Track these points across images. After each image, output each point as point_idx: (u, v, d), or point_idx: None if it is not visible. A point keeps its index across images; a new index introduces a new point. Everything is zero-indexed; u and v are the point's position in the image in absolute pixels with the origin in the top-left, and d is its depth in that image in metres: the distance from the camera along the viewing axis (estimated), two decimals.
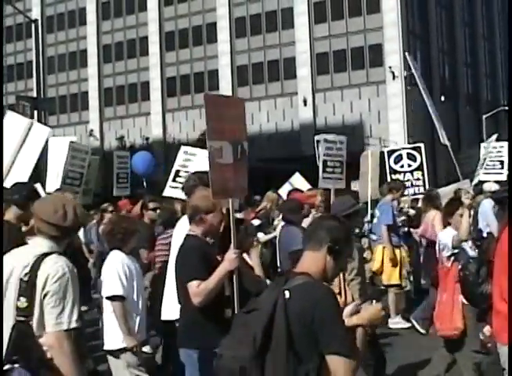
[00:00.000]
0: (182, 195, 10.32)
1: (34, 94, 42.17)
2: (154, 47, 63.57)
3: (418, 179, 14.37)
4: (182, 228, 5.98)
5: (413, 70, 18.49)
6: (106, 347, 6.20)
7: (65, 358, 3.76)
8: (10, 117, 9.24)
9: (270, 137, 56.46)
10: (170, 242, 6.73)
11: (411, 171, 14.45)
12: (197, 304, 4.99)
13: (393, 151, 14.99)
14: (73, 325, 3.81)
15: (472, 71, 65.81)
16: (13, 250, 4.12)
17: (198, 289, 4.97)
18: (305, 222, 8.14)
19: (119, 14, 66.16)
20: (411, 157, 14.62)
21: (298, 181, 13.96)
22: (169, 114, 62.85)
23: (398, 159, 14.67)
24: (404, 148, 15.40)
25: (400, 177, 14.25)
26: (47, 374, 3.72)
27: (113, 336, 6.08)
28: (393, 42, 53.36)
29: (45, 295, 3.80)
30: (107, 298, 6.13)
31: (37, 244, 4.02)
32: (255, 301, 3.48)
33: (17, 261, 3.95)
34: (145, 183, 16.07)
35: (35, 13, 65.04)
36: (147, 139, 59.90)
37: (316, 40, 56.75)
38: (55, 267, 3.84)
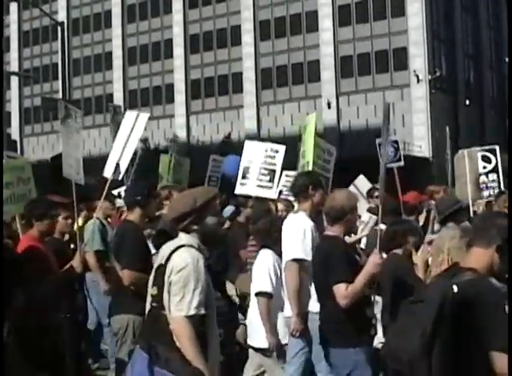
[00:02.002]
0: (255, 192, 10.39)
1: (60, 96, 42.52)
2: (179, 49, 63.83)
3: (493, 181, 14.33)
4: (297, 225, 6.15)
5: None
6: (255, 345, 6.38)
7: (185, 341, 3.99)
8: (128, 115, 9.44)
9: (294, 140, 56.38)
10: None
11: (486, 174, 14.38)
12: (344, 306, 5.13)
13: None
14: (192, 312, 4.03)
15: (497, 75, 65.37)
16: (168, 242, 4.42)
17: (345, 292, 5.10)
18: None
19: (144, 17, 66.50)
20: (486, 160, 14.55)
21: (361, 182, 13.78)
22: (193, 117, 63.04)
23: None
24: (478, 150, 15.30)
25: None
26: (170, 355, 3.97)
27: (261, 334, 6.21)
28: (417, 46, 53.15)
29: (170, 284, 4.11)
30: (256, 294, 6.27)
31: (179, 238, 4.30)
32: (420, 293, 3.60)
33: (161, 254, 4.31)
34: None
35: (61, 16, 65.62)
36: (171, 140, 60.11)
37: (341, 43, 56.66)
38: (180, 259, 4.12)
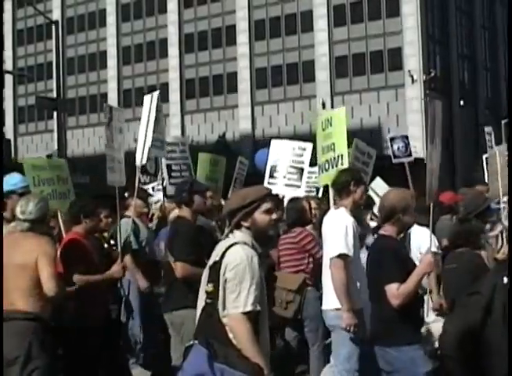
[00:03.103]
0: (283, 191, 10.30)
1: (54, 95, 42.45)
2: (174, 49, 63.74)
3: None
4: (339, 221, 6.28)
5: None
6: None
7: (243, 337, 4.07)
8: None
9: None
10: (298, 241, 7.43)
11: None
12: (396, 306, 5.18)
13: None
14: (249, 308, 4.11)
15: (492, 76, 65.45)
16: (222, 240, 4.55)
17: (398, 292, 5.15)
18: None
19: (139, 16, 66.38)
20: None
21: (379, 185, 13.64)
22: (188, 116, 62.98)
23: None
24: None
25: None
26: (228, 350, 4.05)
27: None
28: (412, 46, 53.18)
29: (225, 281, 4.20)
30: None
31: (233, 235, 4.40)
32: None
33: (215, 251, 4.43)
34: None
35: (56, 14, 65.39)
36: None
37: (335, 43, 56.66)
38: (234, 256, 4.21)
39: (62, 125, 41.67)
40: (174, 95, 63.30)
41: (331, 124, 8.63)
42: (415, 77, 52.30)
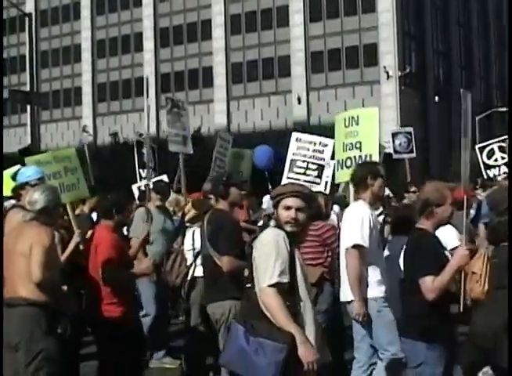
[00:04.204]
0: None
1: (27, 88, 41.99)
2: (149, 43, 63.42)
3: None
4: (356, 213, 6.42)
5: None
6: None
7: (273, 309, 4.23)
8: None
9: (263, 135, 56.39)
10: (320, 234, 7.48)
11: (506, 164, 14.26)
12: (431, 299, 5.18)
13: (484, 147, 14.88)
14: (275, 280, 4.25)
15: (466, 72, 65.86)
16: None
17: (433, 285, 5.15)
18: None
19: (114, 9, 65.95)
20: (503, 150, 14.46)
21: None
22: (163, 111, 62.63)
23: (491, 154, 14.56)
24: (495, 142, 15.20)
25: (495, 171, 14.13)
26: (259, 324, 4.23)
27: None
28: (388, 42, 53.37)
29: (254, 260, 4.42)
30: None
31: (272, 223, 4.64)
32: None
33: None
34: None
35: (29, 7, 64.75)
36: (141, 135, 59.68)
37: (311, 38, 56.70)
38: (262, 237, 4.44)
39: (35, 119, 41.28)
40: (150, 89, 62.90)
41: (357, 123, 8.55)
42: (390, 73, 52.50)
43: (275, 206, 4.53)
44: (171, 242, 8.98)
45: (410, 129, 17.87)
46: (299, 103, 55.95)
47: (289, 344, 4.14)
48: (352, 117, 8.64)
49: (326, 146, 10.95)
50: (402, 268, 5.68)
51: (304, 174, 10.81)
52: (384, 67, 52.69)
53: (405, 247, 5.72)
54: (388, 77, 52.68)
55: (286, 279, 4.28)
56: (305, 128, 53.02)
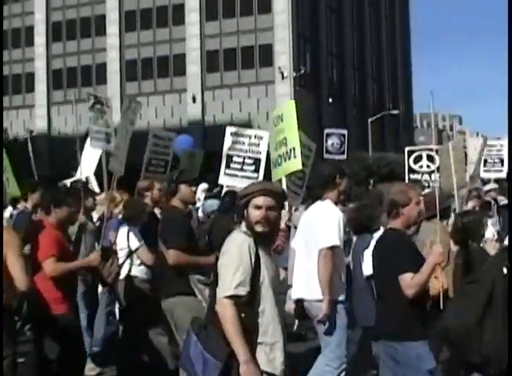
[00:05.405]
0: (239, 183, 9.84)
1: None
2: (40, 38, 61.76)
3: (435, 181, 14.37)
4: (329, 213, 6.43)
5: None
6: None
7: (225, 322, 4.10)
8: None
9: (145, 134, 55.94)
10: None
11: (429, 173, 14.42)
12: (410, 296, 5.16)
13: (413, 151, 15.01)
14: (230, 293, 4.09)
15: (359, 74, 67.21)
16: None
17: (412, 281, 5.15)
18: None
19: None
20: (430, 159, 14.60)
21: None
22: (54, 107, 61.18)
23: (418, 159, 14.66)
24: (425, 149, 15.33)
25: (418, 177, 14.25)
26: (211, 331, 4.16)
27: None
28: (283, 43, 53.84)
29: (218, 266, 4.28)
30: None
31: (242, 225, 4.40)
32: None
33: None
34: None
35: None
36: (31, 131, 57.98)
37: (207, 37, 56.55)
38: (227, 242, 4.29)
39: None
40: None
41: (282, 120, 8.70)
42: (285, 74, 52.97)
43: (245, 206, 4.32)
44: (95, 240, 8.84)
45: (344, 131, 18.18)
46: (194, 101, 55.73)
47: (226, 362, 4.06)
48: (279, 116, 8.84)
49: (261, 138, 10.91)
50: (370, 266, 5.69)
51: (241, 169, 10.78)
52: (279, 68, 53.13)
53: (372, 245, 5.74)
54: (283, 77, 53.14)
55: (243, 291, 4.14)
56: (200, 127, 52.95)
